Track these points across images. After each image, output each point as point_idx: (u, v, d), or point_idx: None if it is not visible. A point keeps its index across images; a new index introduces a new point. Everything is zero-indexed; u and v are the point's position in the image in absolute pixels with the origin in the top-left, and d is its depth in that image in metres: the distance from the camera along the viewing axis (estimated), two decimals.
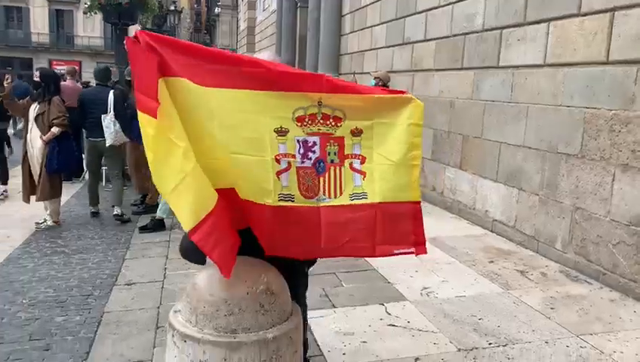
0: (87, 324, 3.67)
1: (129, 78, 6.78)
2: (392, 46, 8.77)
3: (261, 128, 2.09)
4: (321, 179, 2.16)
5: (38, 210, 6.12)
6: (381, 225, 2.16)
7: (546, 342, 3.40)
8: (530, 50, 5.35)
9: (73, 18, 40.74)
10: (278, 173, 2.11)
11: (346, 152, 2.17)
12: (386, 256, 2.24)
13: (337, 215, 2.16)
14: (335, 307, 3.89)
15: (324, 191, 2.16)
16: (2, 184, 7.51)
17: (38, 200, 5.93)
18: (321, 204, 2.15)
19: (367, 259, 4.47)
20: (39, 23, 40.15)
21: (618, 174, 4.29)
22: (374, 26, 9.58)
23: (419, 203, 2.22)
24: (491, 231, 5.96)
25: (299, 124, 2.12)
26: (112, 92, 6.58)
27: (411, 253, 2.21)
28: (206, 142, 2.06)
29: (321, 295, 4.08)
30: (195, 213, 1.94)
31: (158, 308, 3.86)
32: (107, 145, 6.38)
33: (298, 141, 2.12)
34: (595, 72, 4.53)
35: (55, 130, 5.76)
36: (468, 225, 6.32)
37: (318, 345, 3.30)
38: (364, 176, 2.17)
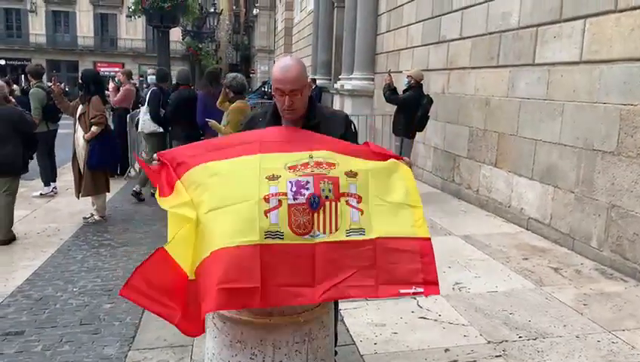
0: (132, 311, 3.87)
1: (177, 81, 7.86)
2: (428, 44, 8.79)
3: (251, 179, 2.09)
4: (315, 215, 2.05)
5: (87, 206, 6.44)
6: (382, 262, 2.04)
7: (577, 337, 3.42)
8: (566, 48, 5.33)
9: (117, 21, 42.03)
10: (267, 212, 2.01)
11: (341, 190, 2.11)
12: (390, 296, 2.09)
13: (333, 251, 2.03)
14: (367, 299, 4.00)
15: (318, 227, 2.04)
16: (52, 181, 7.88)
17: (82, 195, 6.23)
18: (317, 240, 2.03)
19: None
20: (85, 27, 41.58)
21: None
22: (410, 24, 9.61)
23: (429, 239, 2.10)
24: (526, 228, 5.95)
25: (291, 171, 2.11)
26: (151, 90, 7.65)
27: (421, 293, 2.06)
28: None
29: None
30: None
31: None
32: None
33: (290, 182, 2.07)
34: (632, 68, 4.49)
35: (94, 128, 6.05)
36: (503, 222, 6.31)
37: (350, 335, 3.42)
38: (362, 213, 2.10)
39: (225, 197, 2.08)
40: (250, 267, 1.93)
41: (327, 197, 2.08)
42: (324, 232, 2.04)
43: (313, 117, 2.45)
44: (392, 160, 2.27)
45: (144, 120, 7.65)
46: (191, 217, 2.03)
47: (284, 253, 1.99)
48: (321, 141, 2.26)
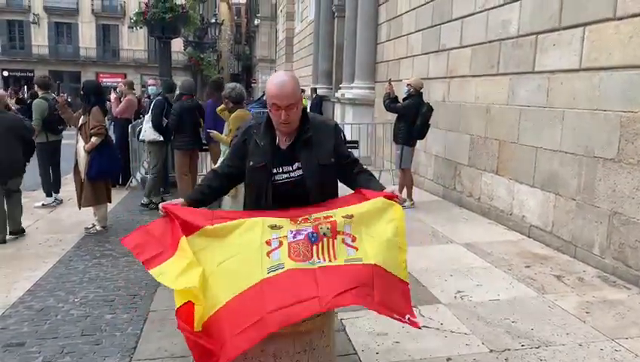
0: (134, 322, 3.87)
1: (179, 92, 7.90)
2: (428, 53, 8.83)
3: (255, 230, 2.31)
4: (314, 247, 2.22)
5: (89, 216, 6.44)
6: (379, 284, 2.17)
7: (580, 345, 3.41)
8: (565, 55, 5.35)
9: (119, 32, 42.23)
10: (269, 253, 2.21)
11: (338, 229, 2.30)
12: (385, 315, 2.19)
13: (334, 271, 2.16)
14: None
15: (317, 256, 2.20)
16: (55, 192, 7.89)
17: (83, 206, 6.24)
18: (316, 266, 2.17)
19: None
20: (87, 38, 41.81)
21: None
22: (410, 33, 9.66)
23: (407, 284, 2.31)
24: (528, 236, 5.94)
25: (292, 223, 2.33)
26: (156, 99, 7.76)
27: (408, 323, 2.21)
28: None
29: None
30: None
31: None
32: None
33: (291, 231, 2.28)
34: (632, 75, 4.51)
35: (94, 139, 6.06)
36: (505, 230, 6.30)
37: (352, 344, 3.41)
38: (357, 250, 2.27)
39: (232, 249, 2.26)
40: (254, 304, 2.07)
41: (324, 234, 2.27)
42: (324, 260, 2.20)
43: (307, 129, 2.52)
44: (385, 199, 2.41)
45: (146, 128, 7.69)
46: (194, 287, 2.14)
47: (286, 278, 2.13)
48: (318, 206, 2.46)
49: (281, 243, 2.23)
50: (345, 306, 2.26)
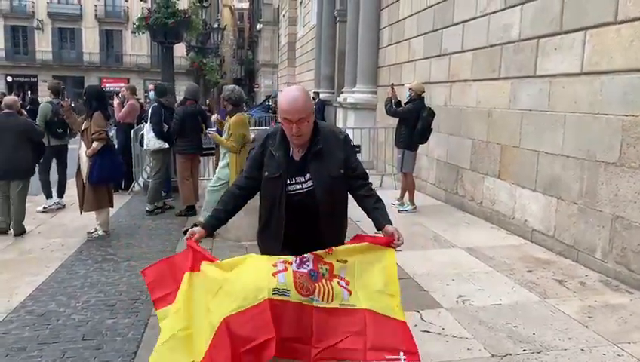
0: (135, 326, 3.88)
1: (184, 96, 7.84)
2: (430, 57, 8.84)
3: (261, 260, 2.45)
4: (316, 284, 2.35)
5: (91, 221, 6.46)
6: (372, 328, 2.28)
7: (582, 350, 3.39)
8: (566, 59, 5.34)
9: (122, 38, 42.39)
10: (275, 274, 2.30)
11: (334, 273, 2.43)
12: (374, 359, 2.25)
13: (329, 316, 2.30)
14: None
15: (317, 294, 2.32)
16: (59, 196, 7.92)
17: (84, 210, 6.25)
18: (314, 304, 2.30)
19: (401, 265, 4.55)
20: (90, 43, 41.98)
21: None
22: (412, 38, 9.67)
23: (405, 322, 2.37)
24: (530, 240, 5.92)
25: (296, 257, 2.44)
26: (152, 106, 7.72)
27: (405, 360, 2.26)
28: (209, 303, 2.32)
29: None
30: None
31: None
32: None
33: (295, 261, 2.39)
34: (633, 79, 4.50)
35: (95, 144, 6.08)
36: (507, 234, 6.29)
37: None
38: (350, 294, 2.39)
39: (240, 273, 2.36)
40: (263, 322, 2.15)
41: (323, 275, 2.40)
42: (322, 300, 2.31)
43: (317, 141, 2.60)
44: (380, 246, 2.50)
45: (149, 138, 7.59)
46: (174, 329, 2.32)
47: (290, 309, 2.24)
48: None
49: (286, 268, 2.33)
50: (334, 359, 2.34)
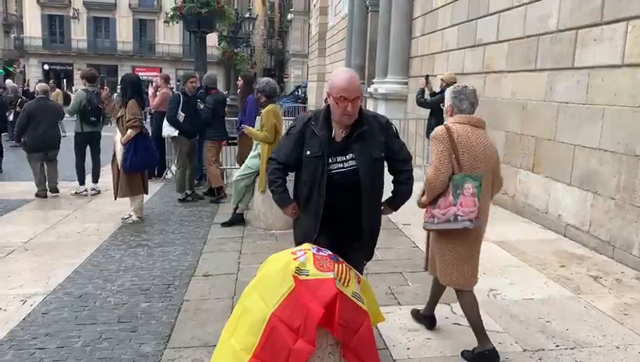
0: (168, 310, 3.96)
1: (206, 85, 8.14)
2: (463, 48, 8.71)
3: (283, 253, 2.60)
4: (336, 264, 2.45)
5: (126, 207, 6.60)
6: (359, 337, 2.41)
7: (617, 347, 3.33)
8: (607, 51, 5.20)
9: (155, 27, 42.92)
10: (295, 258, 2.44)
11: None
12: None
13: (346, 305, 2.36)
14: (400, 304, 3.98)
15: (336, 274, 2.40)
16: (93, 182, 8.12)
17: (118, 197, 6.40)
18: (336, 283, 2.37)
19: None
20: (124, 32, 42.65)
21: None
22: (445, 28, 9.54)
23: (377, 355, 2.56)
24: (564, 235, 5.82)
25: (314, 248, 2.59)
26: (174, 94, 7.87)
27: None
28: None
29: (387, 292, 4.19)
30: None
31: (232, 298, 4.10)
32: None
33: (314, 247, 2.56)
34: None
35: (129, 132, 6.19)
36: (540, 229, 6.19)
37: (383, 339, 3.40)
38: (359, 282, 2.59)
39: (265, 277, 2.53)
40: (300, 306, 2.30)
41: (339, 260, 2.53)
42: (340, 281, 2.39)
43: (363, 123, 2.73)
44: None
45: (163, 125, 7.71)
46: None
47: (311, 286, 2.34)
48: None
49: (305, 253, 2.46)
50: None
